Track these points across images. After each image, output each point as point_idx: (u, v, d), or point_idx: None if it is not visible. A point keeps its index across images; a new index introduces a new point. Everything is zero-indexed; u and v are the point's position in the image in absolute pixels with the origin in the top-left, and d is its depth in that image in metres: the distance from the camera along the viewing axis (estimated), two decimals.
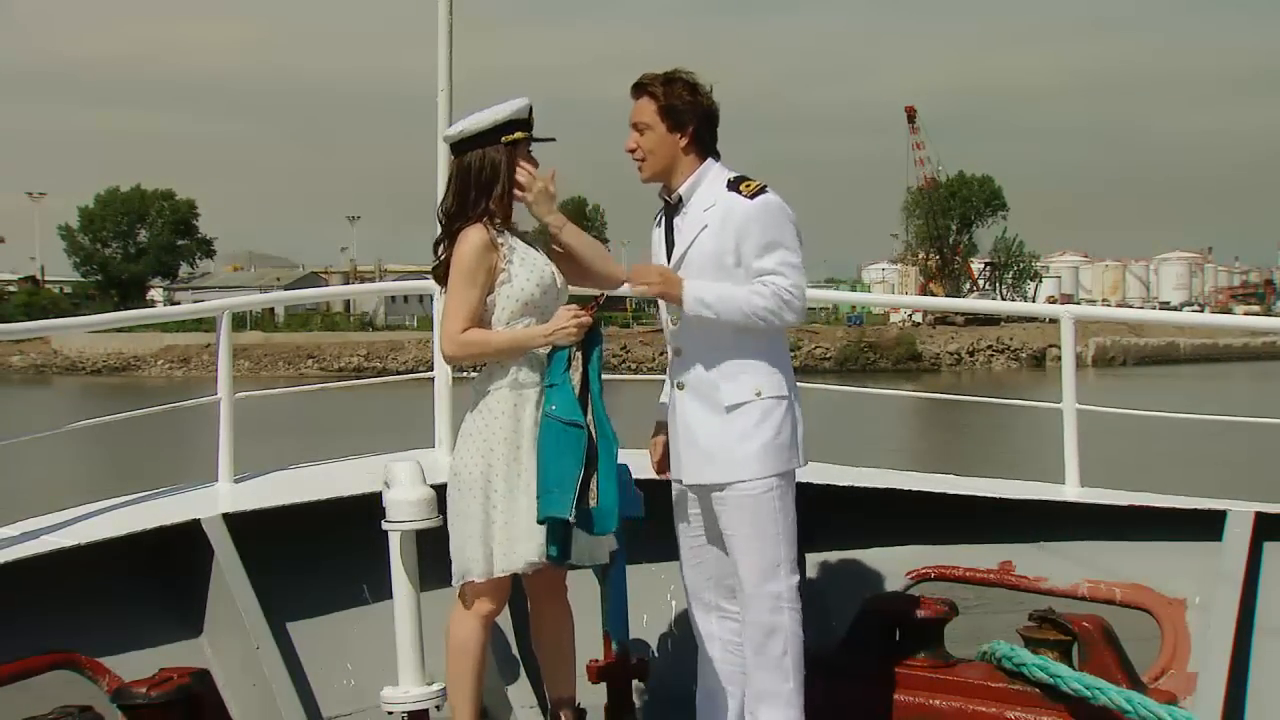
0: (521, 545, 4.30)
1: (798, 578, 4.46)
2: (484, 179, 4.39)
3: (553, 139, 4.54)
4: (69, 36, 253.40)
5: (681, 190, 4.42)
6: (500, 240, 4.38)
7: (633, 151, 4.43)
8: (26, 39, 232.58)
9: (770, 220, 4.32)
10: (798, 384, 4.49)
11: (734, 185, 4.37)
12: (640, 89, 4.40)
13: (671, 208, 4.46)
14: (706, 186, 4.40)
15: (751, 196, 4.33)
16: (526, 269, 4.38)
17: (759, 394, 4.34)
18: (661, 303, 4.51)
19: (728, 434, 4.35)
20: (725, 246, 4.32)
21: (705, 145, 4.43)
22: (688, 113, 4.37)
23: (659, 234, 4.52)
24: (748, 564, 4.39)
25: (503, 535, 4.31)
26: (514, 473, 4.32)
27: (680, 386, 4.45)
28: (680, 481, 4.52)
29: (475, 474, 4.34)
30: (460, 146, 4.45)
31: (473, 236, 4.35)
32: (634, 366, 61.71)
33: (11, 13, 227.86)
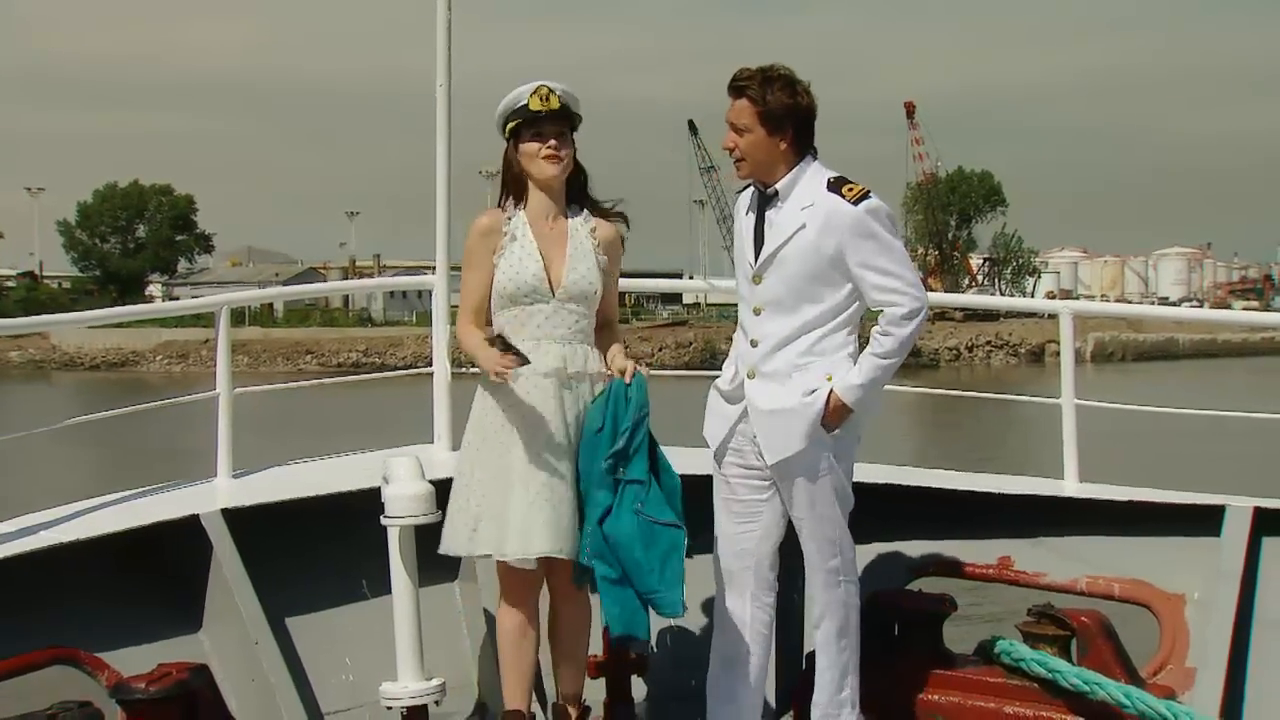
0: (489, 536, 4.39)
1: (853, 554, 4.61)
2: (502, 175, 4.54)
3: (552, 111, 4.47)
4: (69, 36, 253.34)
5: (779, 186, 4.45)
6: (505, 229, 4.45)
7: (731, 150, 4.47)
8: (27, 39, 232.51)
9: (877, 228, 4.38)
10: None
11: (835, 187, 4.40)
12: (738, 90, 4.41)
13: (765, 199, 4.49)
14: (805, 184, 4.43)
15: (855, 202, 4.37)
16: (509, 261, 4.44)
17: (829, 379, 4.42)
18: (744, 291, 4.54)
19: (799, 418, 4.42)
20: (825, 250, 4.38)
21: (803, 144, 4.46)
22: (787, 116, 4.39)
23: (748, 223, 4.53)
24: (807, 542, 4.55)
25: (464, 518, 4.43)
26: (469, 459, 4.48)
27: (752, 375, 4.51)
28: (730, 465, 4.59)
29: (460, 459, 4.55)
30: None
31: (477, 222, 4.53)
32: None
33: (12, 12, 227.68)
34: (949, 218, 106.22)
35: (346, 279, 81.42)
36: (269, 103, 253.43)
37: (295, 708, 4.81)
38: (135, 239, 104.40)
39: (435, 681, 4.58)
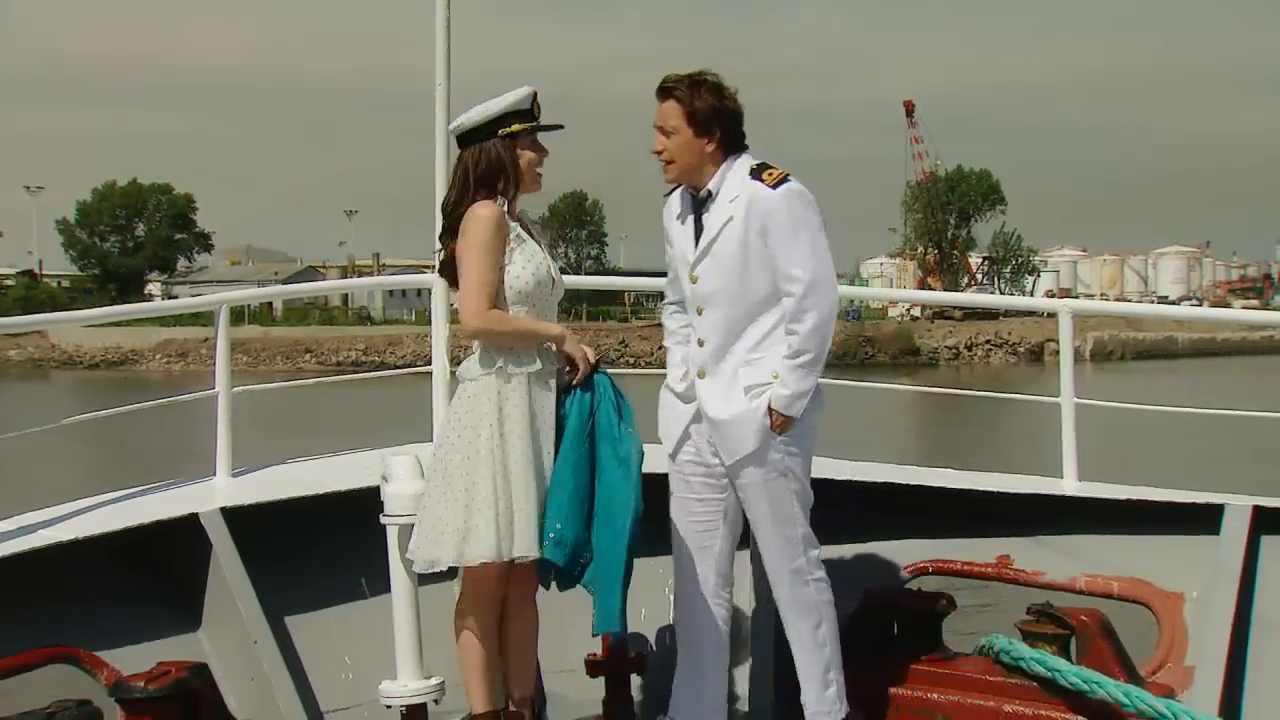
0: (519, 537, 4.29)
1: (817, 550, 4.56)
2: (481, 172, 4.42)
3: (560, 126, 4.55)
4: (70, 35, 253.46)
5: (710, 185, 4.49)
6: (511, 226, 4.43)
7: (659, 154, 4.49)
8: (27, 38, 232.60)
9: (793, 211, 4.39)
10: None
11: (756, 173, 4.43)
12: (666, 92, 4.44)
13: (700, 202, 4.52)
14: (732, 179, 4.47)
15: (774, 186, 4.40)
16: (525, 258, 4.42)
17: (776, 377, 4.42)
18: (686, 291, 4.57)
19: (747, 423, 4.43)
20: (750, 236, 4.41)
21: (731, 146, 4.48)
22: (714, 118, 4.42)
23: (687, 228, 4.56)
24: (769, 544, 4.53)
25: (492, 523, 4.28)
26: (496, 459, 4.30)
27: (702, 374, 4.53)
28: (688, 463, 4.60)
29: (456, 461, 4.33)
30: (462, 141, 4.48)
31: (485, 210, 4.37)
32: (632, 361, 61.70)
33: (12, 12, 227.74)
34: (948, 216, 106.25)
35: (345, 278, 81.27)
36: (268, 102, 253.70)
37: (294, 706, 4.81)
38: (134, 238, 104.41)
39: (434, 680, 4.57)
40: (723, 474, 4.56)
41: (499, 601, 4.49)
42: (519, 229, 4.45)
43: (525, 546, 4.29)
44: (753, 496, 4.51)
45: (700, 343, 4.53)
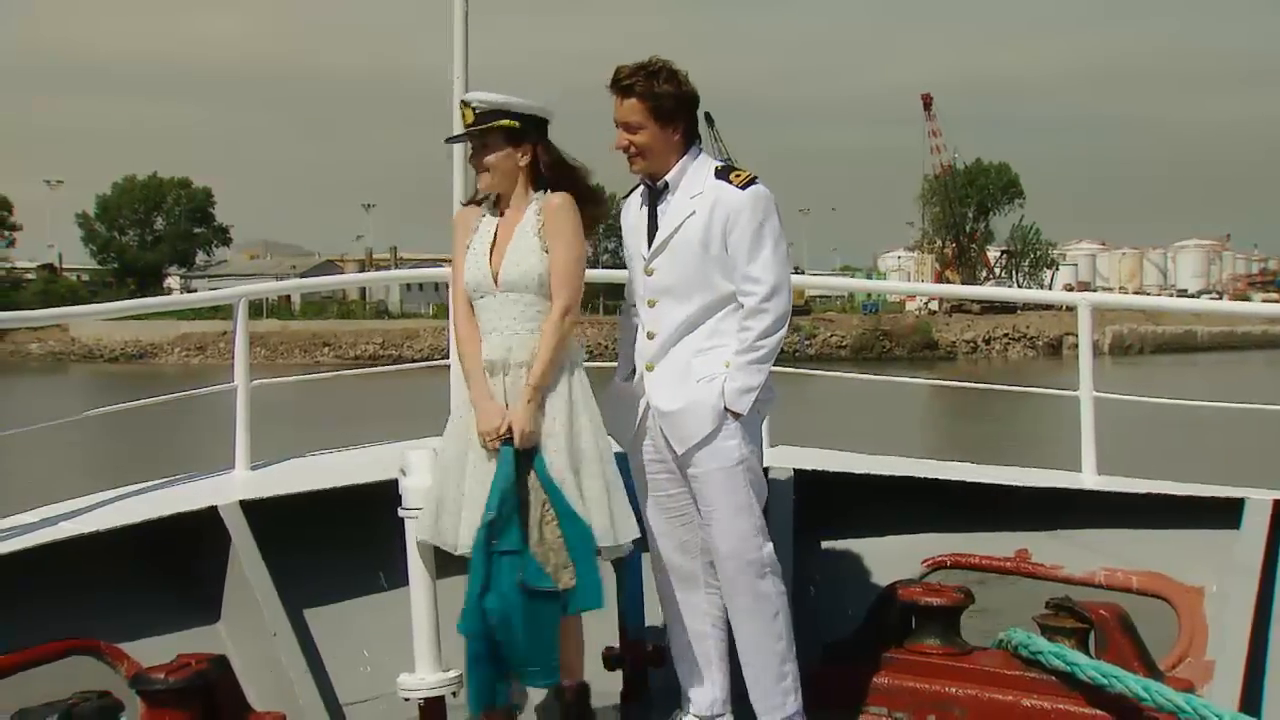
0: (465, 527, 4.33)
1: (770, 544, 4.52)
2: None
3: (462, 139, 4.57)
4: (81, 29, 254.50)
5: (669, 177, 4.49)
6: (476, 224, 4.48)
7: (626, 149, 4.48)
8: (37, 32, 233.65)
9: (759, 212, 4.40)
10: (810, 370, 4.53)
11: (723, 174, 4.46)
12: (626, 89, 4.42)
13: (655, 194, 4.53)
14: (693, 174, 4.48)
15: (743, 186, 4.42)
16: (467, 259, 4.46)
17: (728, 366, 4.42)
18: (637, 285, 4.57)
19: (703, 400, 4.42)
20: (713, 233, 4.42)
21: (692, 133, 4.51)
22: (677, 107, 4.44)
23: (640, 217, 4.57)
24: (726, 535, 4.46)
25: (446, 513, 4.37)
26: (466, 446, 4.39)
27: (650, 368, 4.53)
28: (650, 461, 4.58)
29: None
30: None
31: (454, 215, 4.56)
32: None
33: (29, 7, 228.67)
34: (967, 210, 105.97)
35: (363, 271, 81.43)
36: (285, 97, 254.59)
37: (313, 698, 4.82)
38: (153, 231, 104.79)
39: (452, 673, 4.58)
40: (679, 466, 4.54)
41: None
42: (485, 222, 4.47)
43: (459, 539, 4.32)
44: (708, 486, 4.46)
45: (650, 335, 4.53)
